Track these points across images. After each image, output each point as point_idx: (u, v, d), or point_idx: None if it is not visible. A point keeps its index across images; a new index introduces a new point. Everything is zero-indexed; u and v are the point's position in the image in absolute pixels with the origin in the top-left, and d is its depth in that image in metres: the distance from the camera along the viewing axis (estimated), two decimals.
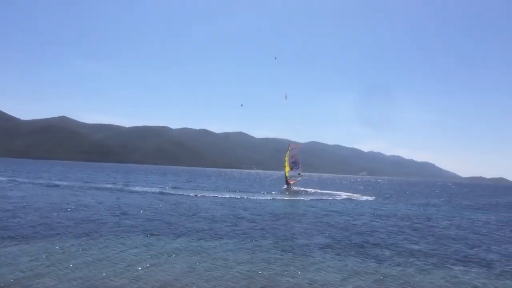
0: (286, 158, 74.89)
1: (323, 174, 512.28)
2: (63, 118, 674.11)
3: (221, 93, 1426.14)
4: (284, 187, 77.42)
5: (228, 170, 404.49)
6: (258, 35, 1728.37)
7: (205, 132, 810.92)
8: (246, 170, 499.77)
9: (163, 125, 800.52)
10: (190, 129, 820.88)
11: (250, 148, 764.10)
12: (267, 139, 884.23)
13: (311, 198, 59.26)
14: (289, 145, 77.54)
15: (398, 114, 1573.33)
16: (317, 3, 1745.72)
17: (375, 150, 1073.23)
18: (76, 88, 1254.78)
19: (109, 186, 64.20)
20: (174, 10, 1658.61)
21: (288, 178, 76.15)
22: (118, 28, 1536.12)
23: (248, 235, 24.89)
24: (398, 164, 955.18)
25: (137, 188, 61.26)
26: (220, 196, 54.20)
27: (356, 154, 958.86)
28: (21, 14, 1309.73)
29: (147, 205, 38.27)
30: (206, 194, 55.63)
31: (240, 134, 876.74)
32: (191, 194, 54.37)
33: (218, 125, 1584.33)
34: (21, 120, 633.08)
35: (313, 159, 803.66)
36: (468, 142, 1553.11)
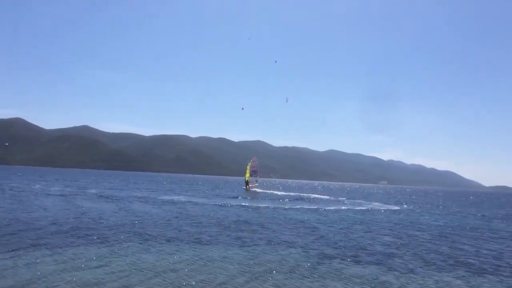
0: (248, 167, 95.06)
1: (343, 183, 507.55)
2: (84, 127, 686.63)
3: (240, 102, 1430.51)
4: (244, 188, 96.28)
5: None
6: (275, 46, 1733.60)
7: (223, 141, 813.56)
8: (264, 179, 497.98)
9: (182, 133, 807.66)
10: (209, 137, 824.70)
11: (269, 156, 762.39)
12: (285, 147, 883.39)
13: (344, 207, 57.74)
14: (251, 158, 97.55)
15: (418, 123, 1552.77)
16: (330, 12, 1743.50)
17: (395, 159, 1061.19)
18: (97, 98, 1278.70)
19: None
20: (192, 21, 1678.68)
21: (248, 182, 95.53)
22: (138, 40, 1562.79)
23: (281, 241, 24.31)
24: (419, 173, 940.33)
25: (166, 197, 60.50)
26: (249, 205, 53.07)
27: (376, 163, 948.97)
28: (44, 26, 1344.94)
29: (175, 214, 37.46)
30: (233, 203, 54.60)
31: (259, 143, 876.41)
32: (228, 203, 53.34)
33: (236, 134, 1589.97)
34: (44, 129, 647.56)
35: (332, 167, 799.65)
36: (491, 151, 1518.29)
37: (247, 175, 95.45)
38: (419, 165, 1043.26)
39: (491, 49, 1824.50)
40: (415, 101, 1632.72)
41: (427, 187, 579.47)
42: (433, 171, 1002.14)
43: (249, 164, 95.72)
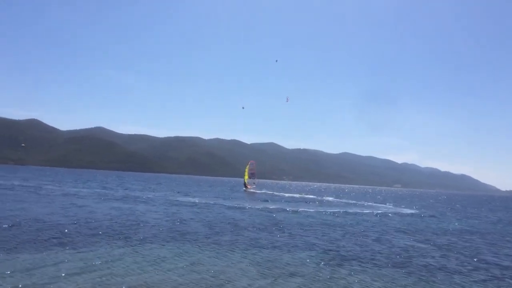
0: (246, 170, 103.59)
1: (356, 186, 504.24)
2: (99, 129, 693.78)
3: (252, 104, 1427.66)
4: (243, 189, 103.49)
5: (261, 181, 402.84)
6: (290, 48, 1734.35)
7: (236, 143, 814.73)
8: (277, 181, 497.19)
9: (195, 135, 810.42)
10: (222, 139, 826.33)
11: (282, 158, 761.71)
12: (298, 149, 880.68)
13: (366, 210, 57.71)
14: (249, 162, 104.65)
15: (433, 125, 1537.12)
16: (337, 12, 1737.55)
17: (409, 162, 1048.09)
18: (112, 99, 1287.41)
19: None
20: (205, 22, 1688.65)
21: (246, 183, 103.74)
22: (151, 42, 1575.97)
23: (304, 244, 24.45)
24: (434, 176, 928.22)
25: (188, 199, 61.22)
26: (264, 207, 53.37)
27: (390, 165, 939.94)
28: (60, 28, 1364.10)
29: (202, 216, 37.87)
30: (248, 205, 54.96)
31: (272, 145, 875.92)
32: (245, 205, 53.84)
33: (249, 136, 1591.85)
34: (60, 130, 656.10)
35: (345, 170, 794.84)
36: (508, 154, 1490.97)
37: (246, 177, 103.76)
38: (434, 169, 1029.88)
39: (507, 48, 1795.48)
40: (429, 103, 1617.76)
41: (442, 191, 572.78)
42: (448, 175, 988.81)
43: (247, 167, 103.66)
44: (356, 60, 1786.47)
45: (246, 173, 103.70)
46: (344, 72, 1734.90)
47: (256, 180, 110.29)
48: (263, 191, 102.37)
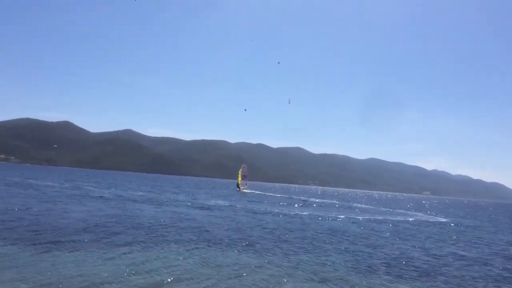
0: (239, 172, 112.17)
1: (384, 192, 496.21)
2: (128, 131, 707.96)
3: (278, 109, 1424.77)
4: (237, 190, 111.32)
5: (290, 185, 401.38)
6: (313, 56, 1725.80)
7: (262, 147, 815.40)
8: (303, 186, 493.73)
9: (221, 139, 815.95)
10: (248, 143, 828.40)
11: (307, 163, 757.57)
12: (324, 154, 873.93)
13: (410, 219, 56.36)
14: (242, 165, 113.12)
15: (464, 131, 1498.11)
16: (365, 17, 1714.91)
17: (440, 169, 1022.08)
18: (141, 103, 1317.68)
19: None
20: (231, 26, 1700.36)
21: (239, 184, 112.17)
22: (179, 47, 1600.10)
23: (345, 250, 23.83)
24: (465, 184, 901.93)
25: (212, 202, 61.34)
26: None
27: (419, 172, 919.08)
28: (90, 34, 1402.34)
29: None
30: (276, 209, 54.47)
31: (297, 149, 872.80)
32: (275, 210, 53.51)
33: (275, 140, 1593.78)
34: (90, 132, 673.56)
35: (372, 176, 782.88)
36: None
37: (239, 178, 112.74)
38: (465, 176, 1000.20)
39: None
40: (462, 109, 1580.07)
41: (473, 199, 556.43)
42: (479, 183, 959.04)
43: (240, 170, 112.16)
44: (385, 65, 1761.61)
45: (239, 175, 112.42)
46: (373, 77, 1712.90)
47: (248, 182, 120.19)
48: (252, 191, 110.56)
